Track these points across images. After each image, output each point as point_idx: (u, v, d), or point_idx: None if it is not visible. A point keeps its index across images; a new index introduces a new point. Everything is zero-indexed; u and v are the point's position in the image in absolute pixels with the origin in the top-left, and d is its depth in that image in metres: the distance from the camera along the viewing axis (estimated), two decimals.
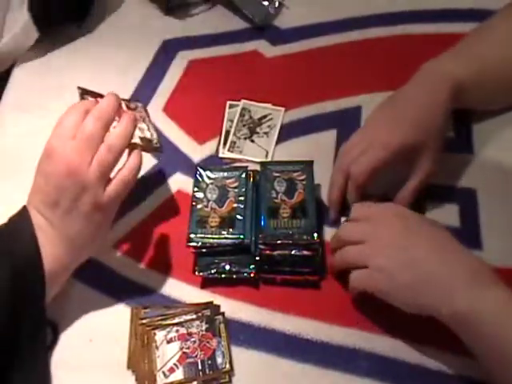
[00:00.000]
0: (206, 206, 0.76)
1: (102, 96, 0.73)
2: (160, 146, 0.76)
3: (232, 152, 0.86)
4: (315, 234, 0.71)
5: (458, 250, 0.65)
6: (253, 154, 0.86)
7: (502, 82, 0.81)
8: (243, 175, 0.79)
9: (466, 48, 0.81)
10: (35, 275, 0.66)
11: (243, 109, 0.91)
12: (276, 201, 0.75)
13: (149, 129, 0.76)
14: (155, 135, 0.76)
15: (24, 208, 0.68)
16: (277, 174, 0.77)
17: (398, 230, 0.67)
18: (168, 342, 0.69)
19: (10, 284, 0.64)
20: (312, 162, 0.79)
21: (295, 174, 0.77)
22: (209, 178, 0.79)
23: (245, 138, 0.88)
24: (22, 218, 0.68)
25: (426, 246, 0.65)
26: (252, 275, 0.73)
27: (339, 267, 0.71)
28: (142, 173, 0.75)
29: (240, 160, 0.85)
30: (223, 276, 0.73)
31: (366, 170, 0.74)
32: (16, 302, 0.64)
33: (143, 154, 0.72)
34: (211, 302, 0.72)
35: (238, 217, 0.75)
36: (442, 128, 0.76)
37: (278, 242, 0.72)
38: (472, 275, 0.62)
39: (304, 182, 0.76)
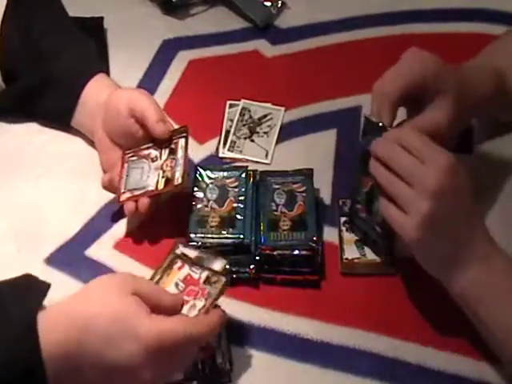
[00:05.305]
0: (206, 206, 0.76)
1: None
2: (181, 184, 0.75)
3: (232, 152, 0.86)
4: (313, 245, 0.72)
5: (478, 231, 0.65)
6: (253, 153, 0.86)
7: None
8: (243, 175, 0.79)
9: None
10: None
11: (243, 108, 0.91)
12: (276, 213, 0.75)
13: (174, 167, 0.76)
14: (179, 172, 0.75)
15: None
16: (276, 186, 0.77)
17: (444, 189, 0.63)
18: None
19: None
20: (312, 171, 0.78)
21: (295, 186, 0.77)
22: (209, 177, 0.79)
23: (245, 138, 0.88)
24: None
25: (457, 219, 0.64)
26: (252, 275, 0.73)
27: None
28: None
29: (240, 160, 0.85)
30: None
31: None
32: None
33: None
34: None
35: (238, 216, 0.75)
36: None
37: (278, 252, 0.72)
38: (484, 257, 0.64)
39: (304, 194, 0.76)
